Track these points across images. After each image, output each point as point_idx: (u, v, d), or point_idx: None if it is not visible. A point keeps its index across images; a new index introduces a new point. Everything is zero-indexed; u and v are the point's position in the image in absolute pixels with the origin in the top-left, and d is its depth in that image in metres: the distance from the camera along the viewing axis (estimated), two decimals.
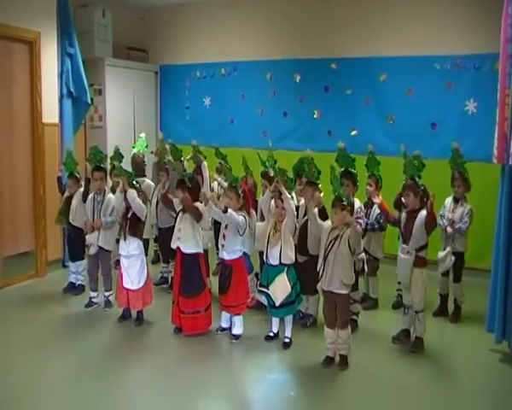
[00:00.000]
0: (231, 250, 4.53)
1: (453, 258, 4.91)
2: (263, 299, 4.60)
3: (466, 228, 4.96)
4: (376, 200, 4.51)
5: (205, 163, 5.47)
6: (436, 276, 5.10)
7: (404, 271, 4.38)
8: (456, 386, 3.96)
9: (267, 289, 4.40)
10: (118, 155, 5.15)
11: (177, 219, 4.66)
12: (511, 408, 3.76)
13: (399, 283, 5.09)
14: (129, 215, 4.78)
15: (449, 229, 4.97)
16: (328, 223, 4.19)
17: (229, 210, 4.37)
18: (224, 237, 4.55)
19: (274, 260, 4.37)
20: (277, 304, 4.36)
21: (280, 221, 4.38)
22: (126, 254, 4.78)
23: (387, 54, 6.78)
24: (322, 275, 4.07)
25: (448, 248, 4.93)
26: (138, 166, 5.84)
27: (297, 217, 4.60)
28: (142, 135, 6.10)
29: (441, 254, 4.91)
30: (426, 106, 6.61)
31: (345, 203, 4.01)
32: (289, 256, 4.37)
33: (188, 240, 4.54)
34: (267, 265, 4.45)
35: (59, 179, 5.71)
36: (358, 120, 6.96)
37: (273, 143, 6.77)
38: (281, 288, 4.34)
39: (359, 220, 4.75)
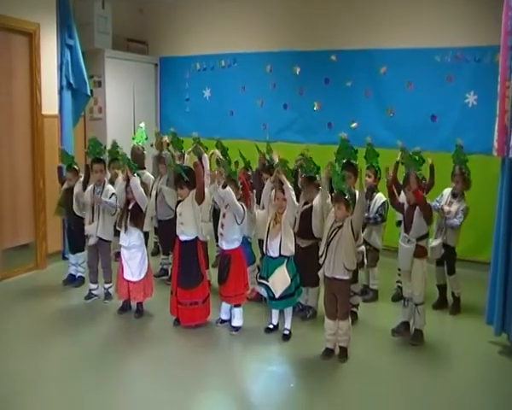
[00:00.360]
0: (230, 239, 4.53)
1: (443, 251, 4.94)
2: (262, 291, 4.61)
3: (459, 224, 4.96)
4: (389, 176, 4.50)
5: (206, 156, 5.47)
6: (432, 267, 5.12)
7: (405, 259, 4.41)
8: (455, 378, 3.97)
9: (267, 281, 4.41)
10: (115, 149, 5.15)
11: (177, 209, 4.68)
12: (510, 400, 3.77)
13: (399, 275, 5.11)
14: (130, 207, 4.78)
15: (443, 211, 4.96)
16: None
17: (228, 188, 4.38)
18: (222, 226, 4.56)
19: (274, 252, 4.39)
20: (277, 296, 4.37)
21: (280, 213, 4.38)
22: (127, 246, 4.78)
23: (388, 46, 6.76)
24: (324, 261, 4.09)
25: (439, 240, 4.95)
26: (138, 158, 5.82)
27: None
28: (142, 125, 6.07)
29: (433, 243, 4.91)
30: (426, 98, 6.60)
31: (348, 198, 4.01)
32: (289, 248, 4.38)
33: (188, 222, 4.55)
34: (267, 257, 4.46)
35: (59, 169, 5.70)
36: (358, 113, 6.95)
37: (273, 135, 6.81)
38: (280, 280, 4.35)
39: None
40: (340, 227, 4.02)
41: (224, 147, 5.76)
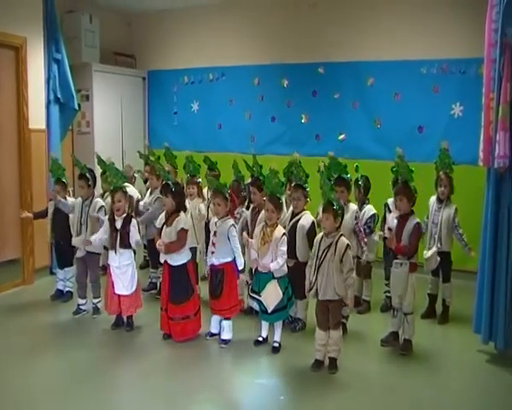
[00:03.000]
0: (222, 256, 4.50)
1: (438, 258, 4.94)
2: (254, 305, 4.59)
3: (459, 229, 4.98)
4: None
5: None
6: (426, 277, 5.15)
7: (400, 284, 4.37)
8: (444, 387, 3.97)
9: (259, 295, 4.40)
10: (102, 163, 5.16)
11: (162, 233, 4.61)
12: (497, 408, 3.79)
13: (387, 285, 5.13)
14: (118, 226, 4.75)
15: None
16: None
17: (240, 261, 4.47)
18: (213, 244, 4.53)
19: (264, 269, 4.38)
20: (269, 311, 4.36)
21: (269, 225, 4.37)
22: (118, 266, 4.76)
23: (375, 58, 6.84)
24: (314, 284, 4.07)
25: (434, 248, 4.95)
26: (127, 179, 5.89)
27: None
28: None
29: (427, 254, 4.91)
30: (413, 110, 6.67)
31: (336, 208, 4.01)
32: (282, 270, 4.37)
33: (173, 254, 4.54)
34: (258, 272, 4.44)
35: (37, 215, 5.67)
36: (346, 125, 7.00)
37: (261, 147, 6.83)
38: (272, 294, 4.34)
39: (358, 225, 4.81)
40: (329, 247, 4.00)
41: (213, 162, 5.76)
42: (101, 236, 4.89)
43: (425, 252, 4.94)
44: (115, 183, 4.80)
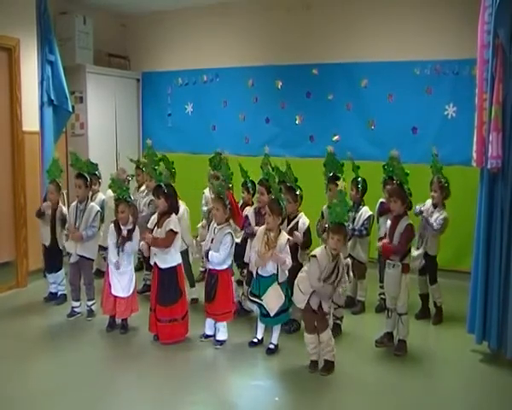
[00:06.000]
0: (218, 263, 4.49)
1: (423, 261, 4.96)
2: (255, 308, 4.57)
3: (438, 229, 4.97)
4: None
5: None
6: (415, 277, 5.15)
7: (394, 285, 4.40)
8: (438, 387, 3.99)
9: (260, 299, 4.39)
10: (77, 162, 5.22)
11: (153, 234, 4.61)
12: (490, 408, 3.80)
13: (381, 287, 5.13)
14: (124, 233, 4.76)
15: (424, 215, 5.00)
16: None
17: (210, 253, 4.42)
18: (209, 249, 4.51)
19: (266, 272, 4.37)
20: (272, 314, 4.36)
21: (272, 231, 4.34)
22: (119, 272, 4.77)
23: (368, 59, 6.85)
24: None
25: (421, 250, 4.97)
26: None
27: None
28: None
29: (414, 253, 4.92)
30: (406, 111, 6.69)
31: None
32: (285, 274, 4.39)
33: (163, 256, 4.54)
34: (258, 275, 4.43)
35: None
36: (340, 126, 7.02)
37: (256, 149, 6.83)
38: (275, 298, 4.34)
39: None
40: None
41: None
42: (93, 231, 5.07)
43: (412, 249, 4.96)
44: (119, 193, 4.80)
